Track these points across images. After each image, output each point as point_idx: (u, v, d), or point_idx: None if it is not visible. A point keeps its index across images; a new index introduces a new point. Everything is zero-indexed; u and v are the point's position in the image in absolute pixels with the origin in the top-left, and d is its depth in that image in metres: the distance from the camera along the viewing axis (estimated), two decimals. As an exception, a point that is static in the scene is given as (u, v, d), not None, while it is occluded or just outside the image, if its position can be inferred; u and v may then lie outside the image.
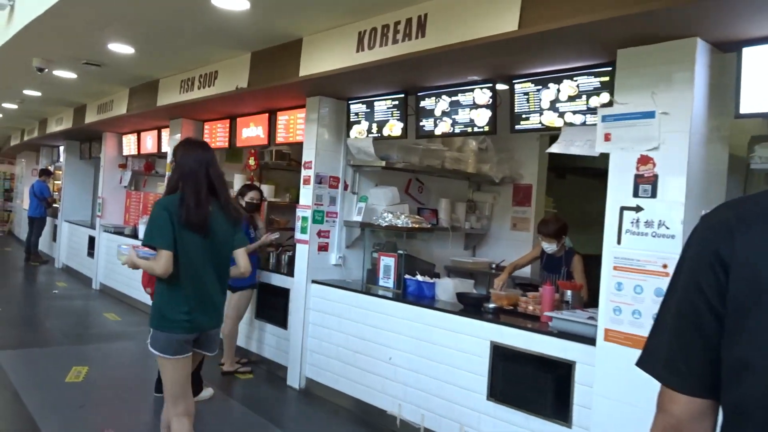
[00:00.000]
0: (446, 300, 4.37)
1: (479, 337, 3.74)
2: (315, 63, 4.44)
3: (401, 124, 4.63)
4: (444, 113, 4.30)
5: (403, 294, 4.60)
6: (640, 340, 2.92)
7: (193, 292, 2.80)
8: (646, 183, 2.97)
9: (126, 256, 2.93)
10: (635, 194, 3.01)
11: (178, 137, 7.18)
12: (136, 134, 8.96)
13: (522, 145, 5.96)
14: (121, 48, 5.28)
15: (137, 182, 9.67)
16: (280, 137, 5.85)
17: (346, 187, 5.28)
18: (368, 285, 4.96)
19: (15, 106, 9.71)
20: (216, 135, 6.91)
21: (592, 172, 7.61)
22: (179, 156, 2.90)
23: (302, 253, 5.12)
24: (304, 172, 5.16)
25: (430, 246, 5.93)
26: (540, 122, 3.71)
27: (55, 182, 12.84)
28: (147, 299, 7.54)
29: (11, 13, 5.18)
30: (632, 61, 3.07)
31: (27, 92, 8.17)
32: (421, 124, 4.47)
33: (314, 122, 5.10)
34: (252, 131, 6.26)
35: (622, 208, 3.06)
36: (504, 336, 3.62)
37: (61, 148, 12.56)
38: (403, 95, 4.61)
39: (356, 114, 5.01)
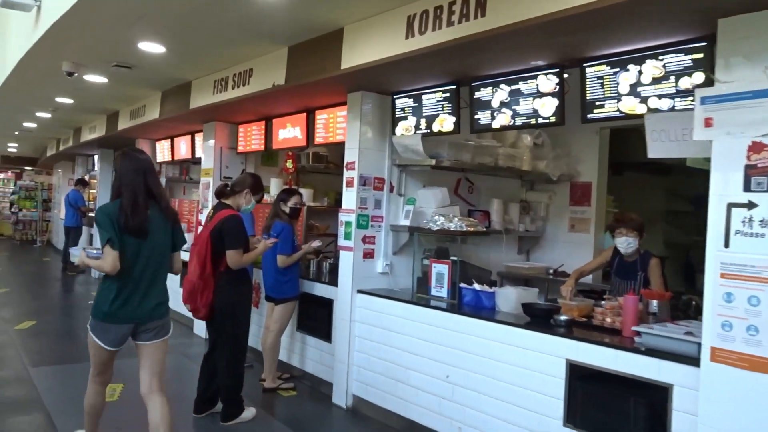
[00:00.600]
0: (508, 311, 3.94)
1: (553, 354, 3.31)
2: (358, 54, 4.07)
3: (453, 119, 4.23)
4: (503, 104, 3.88)
5: (458, 304, 4.19)
6: (759, 361, 2.46)
7: (127, 288, 3.07)
8: (760, 175, 2.51)
9: (78, 257, 3.27)
10: (746, 188, 2.55)
11: (212, 143, 6.92)
12: (169, 140, 8.75)
13: (579, 140, 5.49)
14: (151, 47, 5.00)
15: (171, 189, 9.47)
16: (319, 137, 5.50)
17: (391, 189, 4.90)
18: (418, 295, 4.56)
19: (48, 115, 9.61)
20: (251, 137, 6.61)
21: (650, 168, 7.10)
22: (119, 165, 3.16)
23: (346, 261, 4.75)
24: (346, 174, 4.80)
25: (481, 251, 5.51)
26: (617, 109, 3.27)
27: (91, 191, 12.79)
28: (185, 310, 7.20)
29: (38, 13, 4.95)
30: (738, 32, 2.61)
31: (59, 99, 8.02)
32: (476, 117, 4.06)
33: (356, 120, 4.73)
34: (289, 132, 5.93)
35: (730, 205, 2.60)
36: (582, 353, 3.18)
37: (96, 157, 12.51)
38: (454, 86, 4.20)
39: (402, 109, 4.63)
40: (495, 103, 3.92)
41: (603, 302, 3.60)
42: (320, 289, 5.16)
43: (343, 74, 4.28)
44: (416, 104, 4.50)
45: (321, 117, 5.46)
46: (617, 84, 3.25)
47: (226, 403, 4.19)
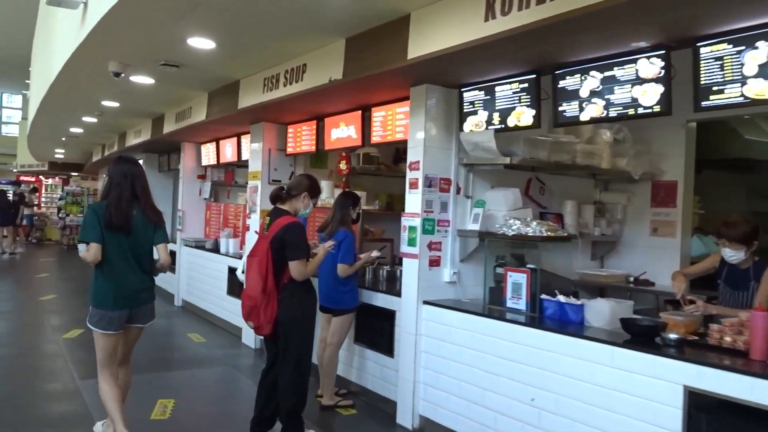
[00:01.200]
0: (600, 326, 3.50)
1: (666, 379, 2.85)
2: (427, 41, 3.69)
3: (532, 112, 3.80)
4: (594, 93, 3.44)
5: (539, 318, 3.76)
6: None
7: (116, 278, 3.46)
8: None
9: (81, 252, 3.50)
10: None
11: (259, 146, 6.64)
12: (214, 143, 8.53)
13: (661, 135, 4.99)
14: (200, 43, 4.73)
15: (217, 193, 9.26)
16: (376, 137, 5.14)
17: (458, 191, 4.50)
18: (491, 306, 4.15)
19: (94, 120, 9.53)
20: (301, 138, 6.30)
21: (732, 165, 6.52)
22: (110, 170, 3.60)
23: (411, 270, 4.37)
24: (410, 175, 4.42)
25: (550, 257, 5.04)
26: (742, 95, 2.80)
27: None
28: (232, 318, 7.03)
29: (85, 11, 4.73)
30: None
31: (105, 103, 7.88)
32: (560, 109, 3.62)
33: (420, 116, 4.35)
34: (342, 132, 5.59)
35: None
36: (705, 379, 2.72)
37: (140, 162, 12.44)
38: (534, 75, 3.78)
39: (471, 103, 4.23)
40: (584, 93, 3.48)
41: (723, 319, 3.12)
42: (380, 300, 4.79)
43: (408, 66, 3.91)
44: (488, 97, 4.09)
45: (378, 114, 5.10)
46: (742, 65, 2.78)
47: (287, 424, 3.84)
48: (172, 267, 8.88)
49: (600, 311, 3.53)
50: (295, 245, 3.73)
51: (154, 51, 5.14)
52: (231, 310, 7.29)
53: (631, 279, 5.02)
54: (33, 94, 11.27)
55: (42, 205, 21.36)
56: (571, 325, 3.59)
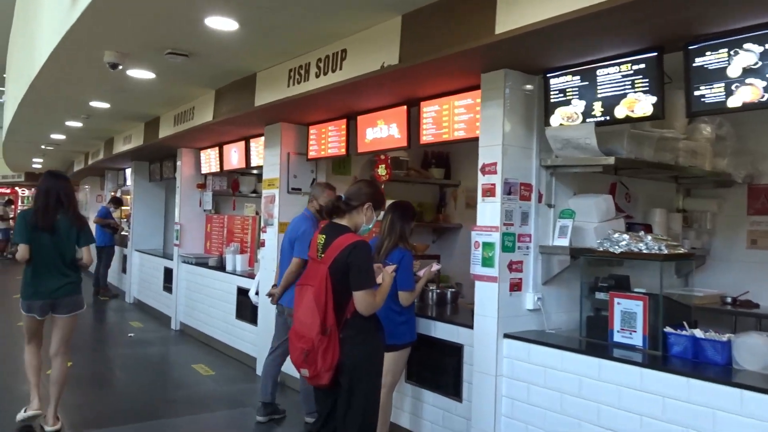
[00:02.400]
0: (754, 370, 2.74)
1: None
2: (522, 13, 2.92)
3: (652, 99, 3.05)
4: (749, 71, 2.69)
5: (664, 358, 3.00)
6: None
7: (39, 274, 4.06)
8: None
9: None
10: None
11: (277, 149, 5.80)
12: (216, 148, 7.67)
13: (761, 130, 4.28)
14: (221, 23, 3.91)
15: (217, 204, 8.37)
16: (428, 135, 4.34)
17: (539, 199, 3.73)
18: (589, 339, 3.38)
19: (80, 124, 8.60)
20: (326, 140, 5.48)
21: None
22: (40, 182, 4.25)
23: (488, 296, 3.57)
24: (483, 180, 3.63)
25: (635, 276, 4.29)
26: None
27: (123, 208, 11.79)
28: (243, 346, 6.22)
29: (79, -15, 3.89)
30: None
31: (94, 104, 6.99)
32: (697, 94, 2.87)
33: (498, 107, 3.57)
34: (381, 131, 4.79)
35: None
36: None
37: (128, 171, 11.52)
38: (656, 53, 3.03)
39: (561, 91, 3.46)
40: (733, 72, 2.73)
41: None
42: (442, 331, 3.98)
43: (491, 44, 3.14)
44: (586, 83, 3.33)
45: (430, 109, 4.31)
46: None
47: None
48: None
49: (756, 350, 2.76)
50: (364, 271, 2.93)
51: (162, 35, 4.30)
52: (241, 337, 6.41)
53: (729, 300, 4.29)
54: (9, 98, 10.29)
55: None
56: (712, 367, 2.83)
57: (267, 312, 5.85)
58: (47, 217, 4.07)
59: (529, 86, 3.65)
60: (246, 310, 6.38)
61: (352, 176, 6.29)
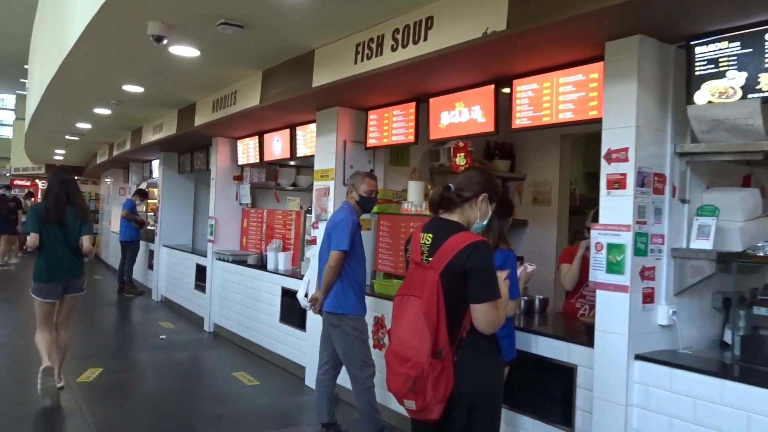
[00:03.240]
0: None
1: None
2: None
3: None
4: None
5: None
6: None
7: (50, 259, 4.59)
8: None
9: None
10: None
11: (331, 137, 5.22)
12: (256, 137, 7.12)
13: None
14: (291, -16, 3.34)
15: (254, 197, 7.81)
16: (522, 119, 3.72)
17: (673, 193, 3.11)
18: (747, 365, 2.76)
19: (109, 112, 8.09)
20: (390, 126, 4.89)
21: None
22: (49, 178, 4.91)
23: (615, 308, 2.96)
24: (609, 169, 3.02)
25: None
26: None
27: (149, 201, 11.30)
28: (290, 353, 5.98)
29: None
30: None
31: (127, 88, 6.46)
32: None
33: (630, 82, 2.95)
34: (460, 115, 4.19)
35: None
36: None
37: (155, 163, 11.02)
38: None
39: (711, 61, 2.84)
40: None
41: None
42: (548, 348, 3.38)
43: (625, 3, 2.54)
44: (749, 50, 2.71)
45: (526, 88, 3.70)
46: None
47: None
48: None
49: None
50: (487, 278, 2.34)
51: (218, 0, 3.74)
52: (287, 343, 5.86)
53: None
54: (34, 84, 9.82)
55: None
56: None
57: (317, 316, 5.29)
58: (57, 211, 4.62)
59: (665, 56, 3.04)
60: (292, 314, 5.83)
61: (410, 167, 5.71)
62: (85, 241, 4.71)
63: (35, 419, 4.42)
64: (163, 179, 9.97)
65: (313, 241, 5.41)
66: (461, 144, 4.35)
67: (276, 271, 6.31)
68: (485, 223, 2.60)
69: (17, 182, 21.15)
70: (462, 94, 4.19)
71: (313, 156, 6.17)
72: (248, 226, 7.56)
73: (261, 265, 6.68)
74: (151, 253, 10.49)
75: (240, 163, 7.59)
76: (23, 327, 7.27)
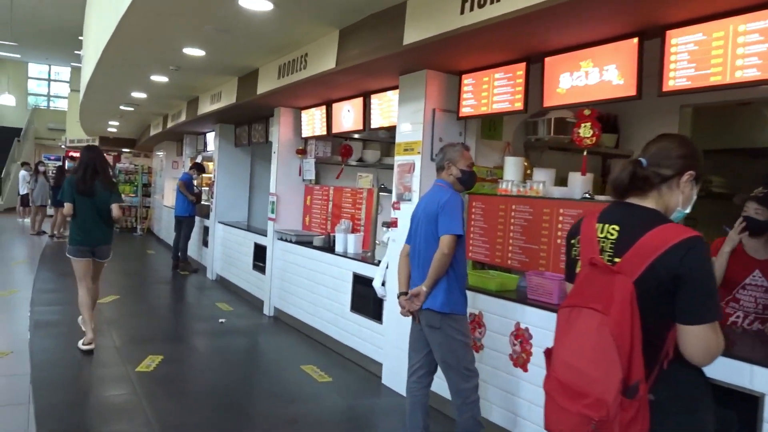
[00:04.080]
0: None
1: None
2: None
3: None
4: None
5: None
6: None
7: (83, 225, 5.21)
8: None
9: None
10: None
11: (420, 103, 4.56)
12: (323, 108, 6.52)
13: None
14: None
15: (318, 174, 7.24)
16: (679, 79, 2.98)
17: None
18: None
19: (165, 79, 7.63)
20: (491, 92, 4.19)
21: None
22: (82, 154, 5.43)
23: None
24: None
25: None
26: None
27: (203, 175, 10.91)
28: (364, 347, 5.31)
29: None
30: None
31: (188, 51, 5.92)
32: None
33: None
34: (587, 77, 3.46)
35: None
36: None
37: (210, 135, 10.59)
38: None
39: None
40: None
41: None
42: (721, 369, 2.67)
43: None
44: None
45: (686, 39, 2.95)
46: None
47: None
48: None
49: None
50: (708, 290, 1.68)
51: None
52: (359, 335, 5.30)
53: None
54: (89, 50, 9.45)
55: (92, 183, 19.77)
56: None
57: (396, 307, 4.70)
58: (87, 184, 5.19)
59: None
60: (366, 303, 5.26)
61: (504, 142, 5.01)
62: (115, 209, 5.26)
63: (95, 414, 3.99)
64: (219, 153, 9.51)
65: (394, 223, 4.80)
66: (587, 112, 3.61)
67: (345, 255, 5.74)
68: (688, 210, 1.91)
69: (72, 154, 21.27)
70: (591, 51, 3.46)
71: (387, 128, 5.56)
72: (311, 204, 7.00)
73: (328, 247, 6.13)
74: (205, 230, 10.11)
75: (304, 135, 7.02)
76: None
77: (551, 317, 3.45)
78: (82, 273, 5.28)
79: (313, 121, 6.76)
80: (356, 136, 6.88)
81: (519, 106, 3.97)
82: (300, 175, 7.17)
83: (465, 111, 4.44)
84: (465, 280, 3.40)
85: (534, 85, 3.89)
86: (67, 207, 5.18)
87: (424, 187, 4.51)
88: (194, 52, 5.94)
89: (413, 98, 4.62)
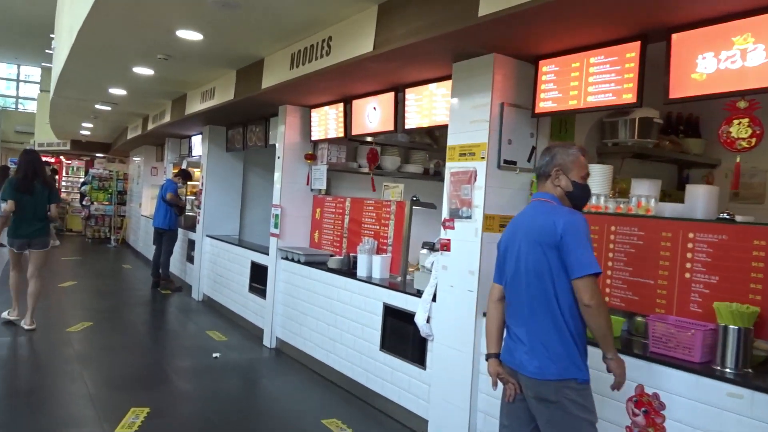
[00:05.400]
0: None
1: None
2: None
3: None
4: None
5: None
6: None
7: (21, 222, 5.88)
8: None
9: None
10: None
11: (482, 98, 3.63)
12: (339, 105, 5.55)
13: None
14: None
15: (329, 181, 6.23)
16: None
17: None
18: None
19: (150, 72, 6.59)
20: (583, 81, 3.27)
21: None
22: (20, 158, 6.10)
23: None
24: None
25: None
26: None
27: (189, 183, 9.83)
28: (390, 392, 4.63)
29: None
30: None
31: (182, 34, 4.91)
32: None
33: None
34: (762, 54, 2.57)
35: None
36: None
37: (196, 139, 9.54)
38: None
39: None
40: None
41: None
42: None
43: None
44: None
45: None
46: None
47: None
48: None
49: None
50: None
51: None
52: (397, 382, 4.32)
53: None
54: (61, 41, 8.33)
55: (62, 190, 18.45)
56: None
57: (444, 349, 3.78)
58: (27, 183, 5.88)
59: None
60: (402, 342, 4.29)
61: (576, 145, 4.09)
62: (53, 208, 6.08)
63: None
64: (209, 158, 8.46)
65: (445, 246, 3.84)
66: (742, 104, 2.71)
67: (370, 281, 4.77)
68: None
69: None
70: (749, 23, 2.57)
71: (427, 128, 4.64)
72: (322, 217, 6.01)
73: (348, 270, 5.14)
74: (191, 244, 9.03)
75: (314, 138, 6.03)
76: (51, 357, 5.91)
77: (695, 382, 2.54)
78: (14, 261, 6.10)
79: (326, 122, 5.79)
80: (369, 139, 5.95)
81: (629, 98, 3.05)
82: (308, 184, 6.17)
83: (544, 106, 3.51)
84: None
85: (650, 72, 2.99)
86: (10, 204, 5.79)
87: (490, 202, 3.59)
88: (190, 35, 4.94)
89: (474, 90, 3.69)
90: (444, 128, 4.09)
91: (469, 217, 3.65)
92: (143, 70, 6.55)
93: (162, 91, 8.00)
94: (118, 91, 8.18)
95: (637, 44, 3.02)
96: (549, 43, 3.38)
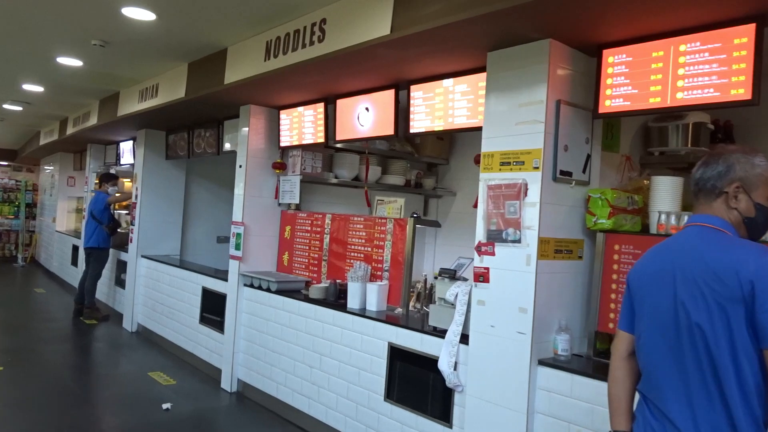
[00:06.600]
0: None
1: None
2: None
3: None
4: None
5: None
6: None
7: None
8: None
9: None
10: None
11: (533, 94, 2.95)
12: (318, 106, 4.73)
13: None
14: None
15: (306, 194, 5.33)
16: None
17: None
18: None
19: (79, 63, 5.49)
20: (671, 74, 2.66)
21: None
22: None
23: None
24: None
25: None
26: None
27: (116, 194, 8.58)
28: None
29: None
30: None
31: (129, 12, 3.94)
32: None
33: None
34: None
35: None
36: None
37: (125, 145, 8.35)
38: None
39: None
40: None
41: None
42: None
43: None
44: None
45: None
46: None
47: None
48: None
49: None
50: None
51: None
52: (408, 442, 3.52)
53: None
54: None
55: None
56: None
57: (482, 405, 3.05)
58: None
59: None
60: (414, 392, 3.50)
61: (620, 155, 3.50)
62: None
63: None
64: (144, 167, 7.33)
65: (483, 277, 3.11)
66: None
67: (363, 314, 3.97)
68: None
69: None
70: None
71: (437, 132, 3.93)
72: (293, 237, 5.13)
73: (334, 301, 4.31)
74: (121, 265, 7.83)
75: (284, 144, 5.16)
76: None
77: None
78: None
79: (300, 125, 4.94)
80: (338, 145, 5.12)
81: (741, 93, 2.45)
82: (276, 197, 5.28)
83: (612, 105, 2.87)
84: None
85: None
86: None
87: (546, 223, 2.89)
88: (139, 14, 3.98)
89: (523, 84, 2.99)
90: (433, 135, 3.34)
91: (518, 241, 2.94)
92: (70, 61, 5.44)
93: (89, 89, 6.83)
94: (33, 88, 6.93)
95: (752, 26, 2.42)
96: (619, 28, 2.74)
